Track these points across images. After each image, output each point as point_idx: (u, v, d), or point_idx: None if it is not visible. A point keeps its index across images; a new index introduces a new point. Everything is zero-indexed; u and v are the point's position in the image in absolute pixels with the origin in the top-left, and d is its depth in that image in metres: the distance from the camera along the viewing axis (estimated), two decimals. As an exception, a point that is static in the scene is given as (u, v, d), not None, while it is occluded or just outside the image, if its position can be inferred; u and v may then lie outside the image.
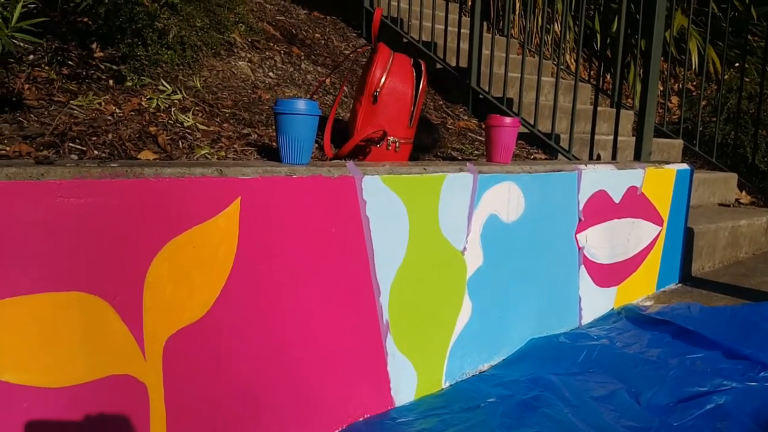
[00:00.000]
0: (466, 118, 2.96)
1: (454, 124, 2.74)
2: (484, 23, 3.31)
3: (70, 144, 1.21)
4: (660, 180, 2.23)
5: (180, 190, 1.14)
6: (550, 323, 1.87)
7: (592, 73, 4.72)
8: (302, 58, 2.71)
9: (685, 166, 2.36)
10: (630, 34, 4.58)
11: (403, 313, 1.48)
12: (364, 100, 1.69)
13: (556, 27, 4.57)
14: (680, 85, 4.61)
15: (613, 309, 2.10)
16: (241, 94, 2.09)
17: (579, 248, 1.94)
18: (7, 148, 1.15)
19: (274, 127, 1.86)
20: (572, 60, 4.78)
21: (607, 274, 2.06)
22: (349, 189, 1.38)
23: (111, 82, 1.74)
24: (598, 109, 2.93)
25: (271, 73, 2.39)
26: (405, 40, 3.45)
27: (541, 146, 2.79)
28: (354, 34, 3.64)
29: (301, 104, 1.34)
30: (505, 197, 1.70)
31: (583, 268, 1.96)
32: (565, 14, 2.99)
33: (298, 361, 1.31)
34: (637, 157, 2.43)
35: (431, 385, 1.55)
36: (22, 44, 1.43)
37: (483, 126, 1.82)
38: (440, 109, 2.93)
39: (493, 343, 1.71)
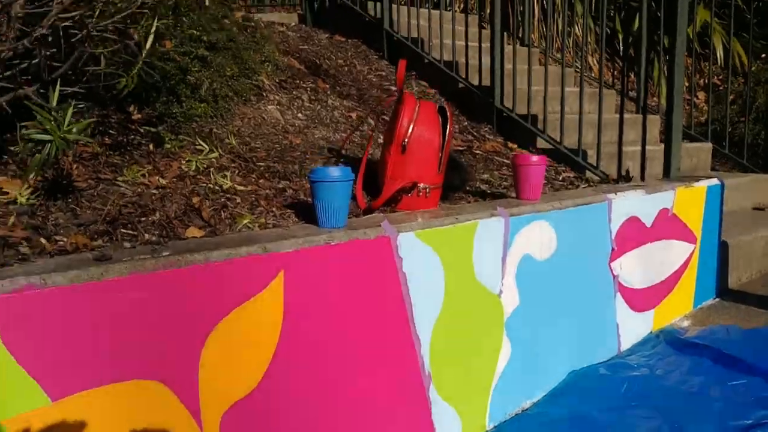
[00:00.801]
0: (491, 137, 2.98)
1: (481, 147, 2.76)
2: (504, 33, 3.31)
3: (122, 230, 1.29)
4: (691, 199, 2.22)
5: (228, 272, 1.20)
6: (589, 353, 1.90)
7: (615, 73, 4.68)
8: (328, 92, 2.76)
9: (715, 181, 2.35)
10: (652, 31, 4.52)
11: (444, 362, 1.53)
12: (392, 149, 1.74)
13: (577, 30, 4.54)
14: (706, 80, 4.54)
15: (651, 332, 2.11)
16: (272, 141, 2.15)
17: (614, 276, 1.95)
18: (65, 239, 1.23)
19: (307, 177, 1.92)
20: (594, 61, 4.75)
21: (643, 299, 2.07)
22: (386, 248, 1.43)
23: (151, 146, 1.81)
24: (624, 116, 2.92)
25: (300, 114, 2.45)
26: (426, 61, 3.48)
27: (568, 162, 2.80)
28: (376, 56, 3.69)
29: (335, 172, 1.40)
30: (538, 237, 1.73)
31: (618, 295, 1.98)
32: (586, 16, 2.98)
33: (346, 420, 1.36)
34: (666, 172, 2.43)
35: (475, 429, 1.60)
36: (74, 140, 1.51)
37: (510, 158, 1.85)
38: (465, 131, 2.96)
39: (533, 379, 1.74)
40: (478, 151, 2.68)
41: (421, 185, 1.74)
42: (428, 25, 3.50)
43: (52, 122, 1.17)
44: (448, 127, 1.78)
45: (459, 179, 1.96)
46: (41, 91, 1.34)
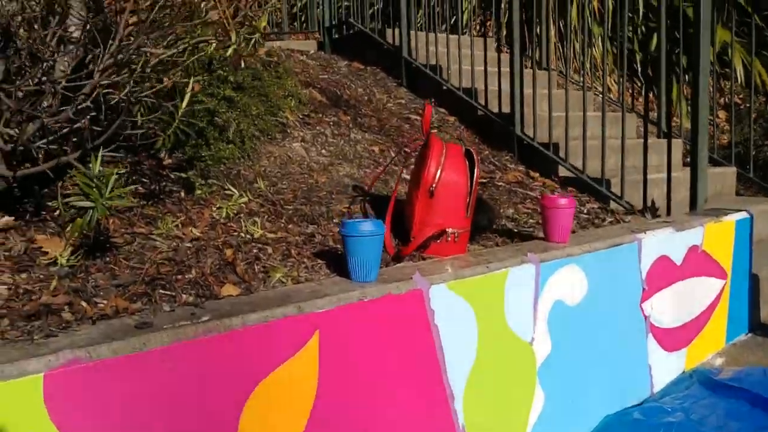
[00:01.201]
0: (512, 166, 2.97)
1: (503, 177, 2.76)
2: (523, 56, 3.30)
3: (160, 291, 1.30)
4: (720, 233, 2.20)
5: (265, 334, 1.21)
6: (622, 396, 1.88)
7: (634, 93, 4.66)
8: (350, 125, 2.78)
9: (744, 214, 2.33)
10: (670, 50, 4.50)
11: (478, 413, 1.52)
12: (420, 194, 1.74)
13: (595, 52, 4.53)
14: (726, 99, 4.50)
15: (684, 372, 2.08)
16: (299, 181, 2.16)
17: (645, 317, 1.94)
18: (105, 302, 1.25)
19: (335, 220, 1.93)
20: (613, 81, 4.73)
21: (675, 338, 2.05)
22: (418, 302, 1.43)
23: (182, 193, 1.84)
24: (639, 140, 2.89)
25: (323, 150, 2.46)
26: (444, 88, 3.49)
27: (591, 191, 2.78)
28: (394, 84, 3.70)
29: (366, 227, 1.40)
30: (568, 282, 1.72)
31: (650, 335, 1.96)
32: (605, 39, 2.97)
33: (384, 478, 1.36)
34: (693, 205, 2.41)
35: (510, 479, 1.59)
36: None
37: (539, 200, 1.84)
38: (486, 160, 2.96)
39: (567, 426, 1.73)
40: (500, 183, 2.68)
41: (450, 230, 1.74)
42: (446, 50, 3.51)
43: (94, 189, 1.19)
44: (476, 170, 1.78)
45: (486, 220, 1.96)
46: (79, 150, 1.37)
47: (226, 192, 1.90)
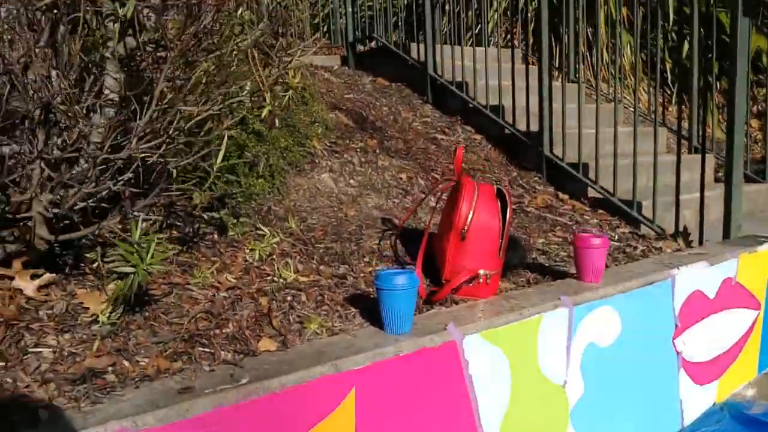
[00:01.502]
0: (541, 188, 2.96)
1: (532, 202, 2.75)
2: (551, 68, 3.26)
3: (199, 348, 1.33)
4: (754, 264, 2.17)
5: (302, 394, 1.23)
6: (653, 431, 1.87)
7: (665, 104, 4.58)
8: (377, 151, 2.79)
9: (781, 243, 2.28)
10: (702, 57, 4.41)
11: (512, 460, 1.53)
12: (452, 236, 1.75)
13: (623, 61, 4.47)
14: (759, 107, 4.41)
15: (715, 404, 2.06)
16: (328, 215, 2.18)
17: (677, 353, 1.92)
18: (146, 360, 1.28)
19: (366, 259, 1.94)
20: (642, 90, 4.66)
21: (706, 371, 2.02)
22: (452, 353, 1.44)
23: (215, 234, 1.87)
24: (669, 155, 2.83)
25: (352, 180, 2.48)
26: (471, 106, 3.48)
27: (621, 214, 2.75)
28: (420, 101, 3.70)
29: (401, 280, 1.41)
30: (602, 323, 1.71)
31: (682, 371, 1.94)
32: (636, 48, 2.92)
33: None
34: (726, 233, 2.37)
35: None
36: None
37: (573, 241, 1.82)
38: (514, 182, 2.95)
39: (599, 468, 1.72)
40: (529, 208, 2.66)
41: (482, 272, 1.74)
42: (473, 65, 3.49)
43: (135, 255, 1.22)
44: (508, 211, 1.78)
45: (517, 257, 1.96)
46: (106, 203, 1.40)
47: (258, 232, 1.93)
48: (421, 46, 3.86)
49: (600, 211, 2.78)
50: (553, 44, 4.52)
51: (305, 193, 2.30)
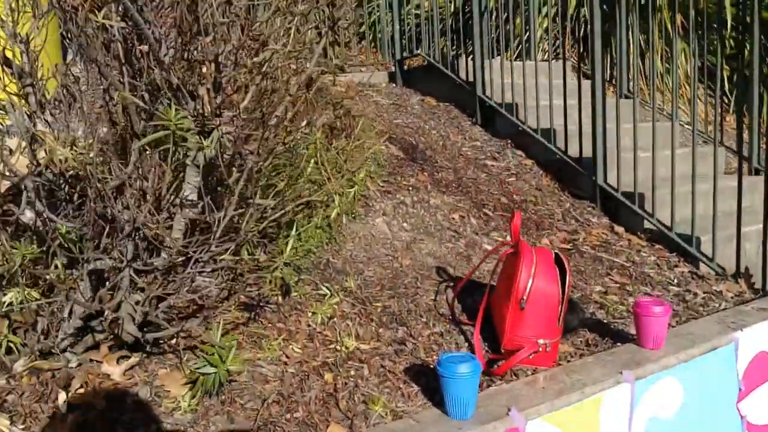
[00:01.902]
0: (595, 220, 2.92)
1: (587, 239, 2.72)
2: (604, 81, 3.17)
3: (274, 438, 1.40)
4: (824, 317, 2.11)
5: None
6: (715, 498, 1.86)
7: (724, 116, 4.42)
8: (428, 187, 2.81)
9: None
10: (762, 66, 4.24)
11: None
12: (511, 305, 1.76)
13: (677, 72, 4.32)
14: (826, 116, 4.21)
15: (780, 463, 2.03)
16: (384, 266, 2.22)
17: (741, 417, 1.90)
18: (226, 450, 1.36)
19: (423, 319, 1.98)
20: (698, 98, 4.51)
21: (771, 432, 1.99)
22: (516, 438, 1.47)
23: (279, 297, 1.93)
24: (729, 178, 2.72)
25: (405, 224, 2.51)
26: (520, 129, 3.44)
27: (679, 250, 2.69)
28: (468, 122, 3.69)
29: (464, 369, 1.44)
30: (664, 395, 1.71)
31: (745, 433, 1.92)
32: (692, 58, 2.82)
33: None
34: (792, 277, 2.30)
35: None
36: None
37: (634, 307, 1.80)
38: (567, 215, 2.92)
39: None
40: (584, 247, 2.64)
41: (541, 341, 1.75)
42: (522, 82, 3.43)
43: (216, 356, 1.29)
44: (567, 278, 1.78)
45: (576, 320, 1.96)
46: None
47: (319, 292, 1.98)
48: (470, 62, 3.82)
49: (657, 246, 2.74)
50: (603, 54, 4.40)
51: (361, 241, 2.35)
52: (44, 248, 1.29)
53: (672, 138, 2.84)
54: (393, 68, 4.38)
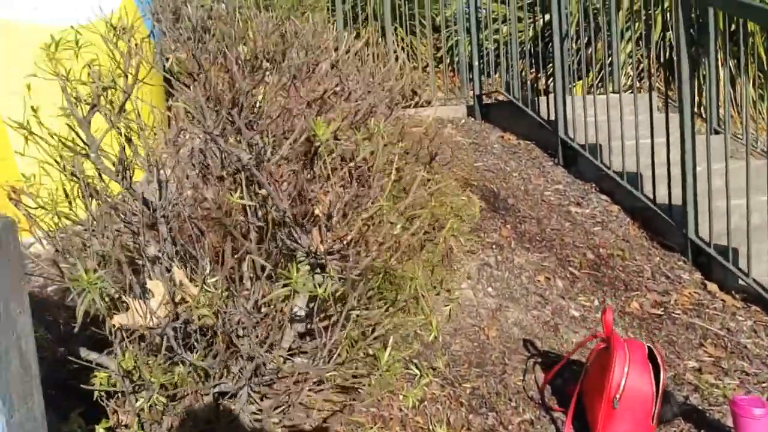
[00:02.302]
0: (686, 276, 2.84)
1: (678, 300, 2.66)
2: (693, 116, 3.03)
3: None
4: None
5: None
6: None
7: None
8: (512, 243, 2.82)
9: None
10: None
11: None
12: (604, 403, 1.77)
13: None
14: None
15: None
16: (470, 338, 2.27)
17: None
18: None
19: (512, 404, 2.01)
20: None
21: None
22: None
23: (371, 377, 2.02)
24: None
25: (490, 288, 2.54)
26: (602, 172, 3.37)
27: (779, 313, 2.58)
28: (550, 163, 3.65)
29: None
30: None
31: None
32: None
33: None
34: None
35: None
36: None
37: (731, 405, 1.75)
38: (656, 271, 2.85)
39: None
40: (676, 312, 2.58)
41: (634, 440, 1.75)
42: (606, 119, 3.35)
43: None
44: (661, 375, 1.77)
45: (670, 413, 1.93)
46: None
47: (409, 372, 2.05)
48: (550, 98, 3.77)
49: (754, 308, 2.63)
50: (692, 83, 4.22)
51: (446, 310, 2.39)
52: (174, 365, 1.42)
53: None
54: (472, 101, 4.37)
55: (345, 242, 1.39)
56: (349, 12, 5.19)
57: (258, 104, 1.27)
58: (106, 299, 1.39)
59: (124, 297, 1.36)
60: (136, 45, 1.49)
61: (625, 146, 3.31)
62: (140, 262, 1.48)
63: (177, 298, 1.36)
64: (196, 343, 1.49)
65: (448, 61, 5.53)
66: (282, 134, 1.42)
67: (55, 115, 1.49)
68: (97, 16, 2.48)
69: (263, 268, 1.44)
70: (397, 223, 1.44)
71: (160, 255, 1.43)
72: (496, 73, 5.02)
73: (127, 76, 1.49)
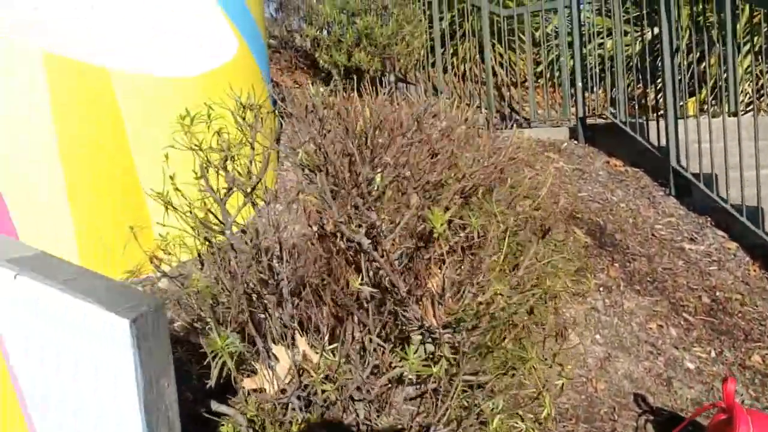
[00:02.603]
0: (816, 325, 2.62)
1: (806, 355, 2.46)
2: None
3: None
4: None
5: None
6: None
7: None
8: (620, 284, 2.72)
9: None
10: None
11: None
12: (726, 479, 1.68)
13: None
14: None
15: None
16: (578, 391, 2.22)
17: None
18: None
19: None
20: None
21: None
22: None
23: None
24: None
25: (597, 336, 2.47)
26: (717, 205, 3.17)
27: None
28: (661, 192, 3.48)
29: None
30: None
31: None
32: None
33: None
34: None
35: None
36: None
37: None
38: (782, 317, 2.65)
39: None
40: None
41: None
42: (723, 145, 3.14)
43: None
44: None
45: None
46: None
47: (513, 425, 2.04)
48: (662, 124, 3.59)
49: None
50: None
51: (552, 358, 2.35)
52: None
53: None
54: (575, 125, 4.24)
55: (457, 317, 1.41)
56: (447, 29, 5.20)
57: (377, 187, 1.32)
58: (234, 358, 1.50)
59: (253, 362, 1.46)
60: (261, 118, 1.59)
61: (744, 177, 3.11)
62: (263, 319, 1.57)
63: (298, 364, 1.43)
64: (313, 397, 1.56)
65: (548, 76, 5.41)
66: (395, 207, 1.46)
67: (191, 183, 1.61)
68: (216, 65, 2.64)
69: (378, 336, 1.50)
70: (510, 302, 1.43)
71: (283, 318, 1.52)
72: (600, 89, 4.85)
73: (253, 147, 1.59)
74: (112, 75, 2.17)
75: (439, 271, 1.46)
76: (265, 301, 1.52)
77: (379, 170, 1.38)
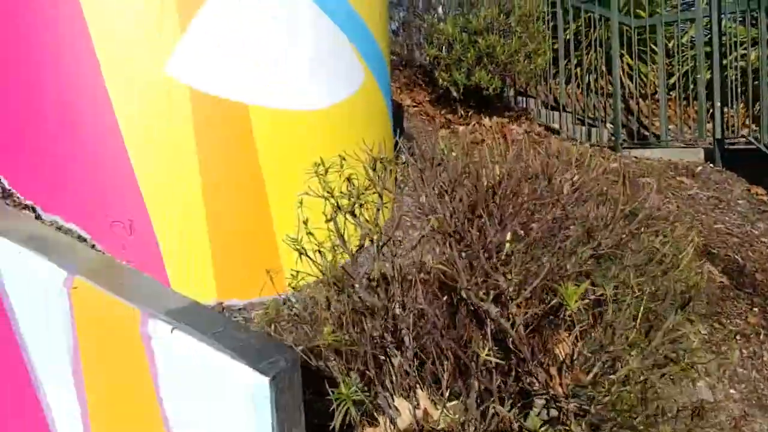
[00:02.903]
0: None
1: None
2: None
3: None
4: None
5: None
6: None
7: None
8: (761, 334, 2.50)
9: None
10: None
11: None
12: None
13: None
14: None
15: None
16: (707, 450, 2.07)
17: None
18: None
19: None
20: None
21: None
22: None
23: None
24: None
25: (732, 389, 2.29)
26: None
27: None
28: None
29: None
30: None
31: None
32: None
33: None
34: None
35: None
36: None
37: None
38: None
39: None
40: None
41: None
42: None
43: None
44: None
45: None
46: None
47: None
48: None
49: None
50: None
51: (680, 411, 2.21)
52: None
53: None
54: (711, 146, 3.94)
55: (584, 385, 1.37)
56: (572, 39, 5.02)
57: (505, 252, 1.31)
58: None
59: (375, 412, 1.50)
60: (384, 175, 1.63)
61: None
62: (383, 361, 1.61)
63: (420, 422, 1.46)
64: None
65: (681, 88, 5.07)
66: (525, 269, 1.44)
67: (321, 227, 1.69)
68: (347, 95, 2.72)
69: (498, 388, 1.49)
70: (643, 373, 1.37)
71: (405, 368, 1.55)
72: (741, 104, 4.47)
73: (381, 197, 1.63)
74: (250, 110, 2.30)
75: (567, 336, 1.43)
76: (387, 349, 1.57)
77: (508, 236, 1.37)
